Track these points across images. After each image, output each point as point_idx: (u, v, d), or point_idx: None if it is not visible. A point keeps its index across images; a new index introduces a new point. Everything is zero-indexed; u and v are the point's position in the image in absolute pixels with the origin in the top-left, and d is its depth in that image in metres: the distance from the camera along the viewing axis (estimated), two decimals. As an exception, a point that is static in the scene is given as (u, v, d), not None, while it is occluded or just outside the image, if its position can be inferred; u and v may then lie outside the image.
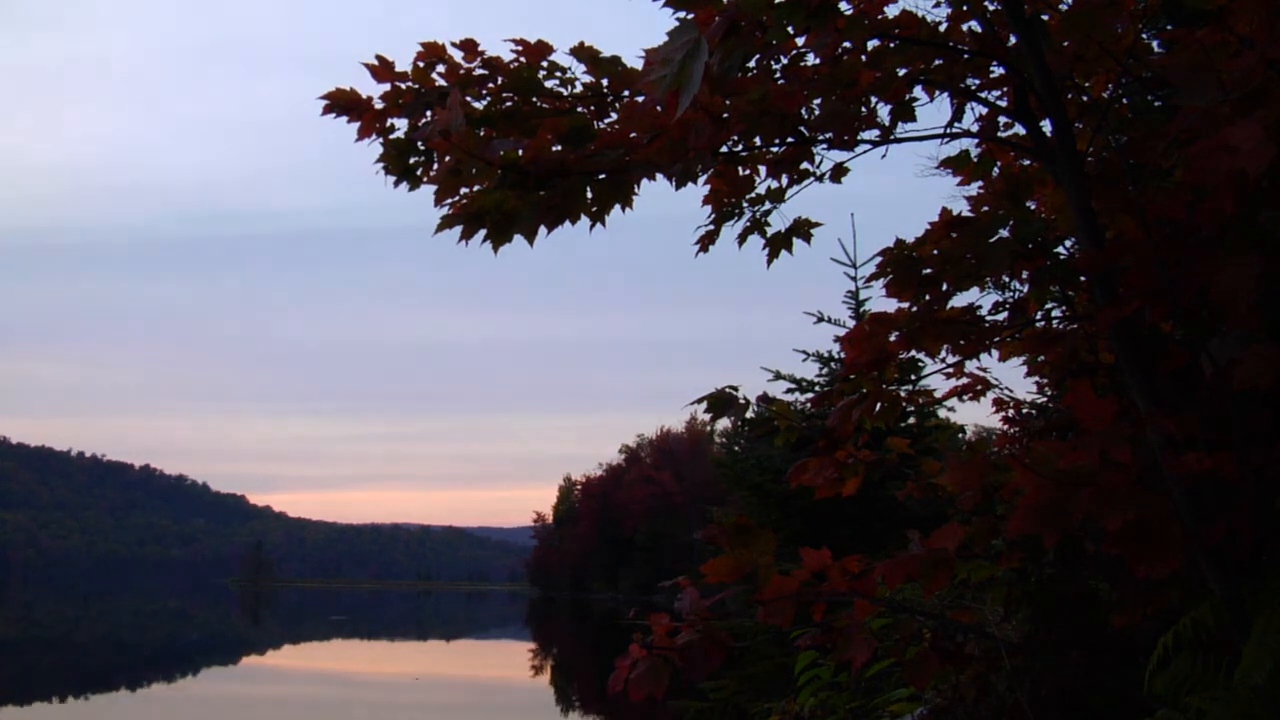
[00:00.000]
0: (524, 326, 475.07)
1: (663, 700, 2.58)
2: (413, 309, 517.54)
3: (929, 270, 3.12)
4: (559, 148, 2.84)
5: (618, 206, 2.92)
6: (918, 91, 3.11)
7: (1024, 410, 4.64)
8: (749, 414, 3.42)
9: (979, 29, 3.05)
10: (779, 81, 2.97)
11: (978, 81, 3.20)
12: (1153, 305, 2.57)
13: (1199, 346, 2.72)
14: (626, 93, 3.04)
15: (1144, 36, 3.42)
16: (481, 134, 2.94)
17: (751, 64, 2.89)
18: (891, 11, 2.95)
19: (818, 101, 2.97)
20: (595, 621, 51.43)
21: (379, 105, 3.07)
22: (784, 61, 3.03)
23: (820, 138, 3.01)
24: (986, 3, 3.01)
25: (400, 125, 3.10)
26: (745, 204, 3.28)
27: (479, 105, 3.09)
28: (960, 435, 8.66)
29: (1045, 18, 3.06)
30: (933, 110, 5.35)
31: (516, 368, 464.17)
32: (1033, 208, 3.43)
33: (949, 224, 3.17)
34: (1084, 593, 3.86)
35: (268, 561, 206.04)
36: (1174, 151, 2.80)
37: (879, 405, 3.45)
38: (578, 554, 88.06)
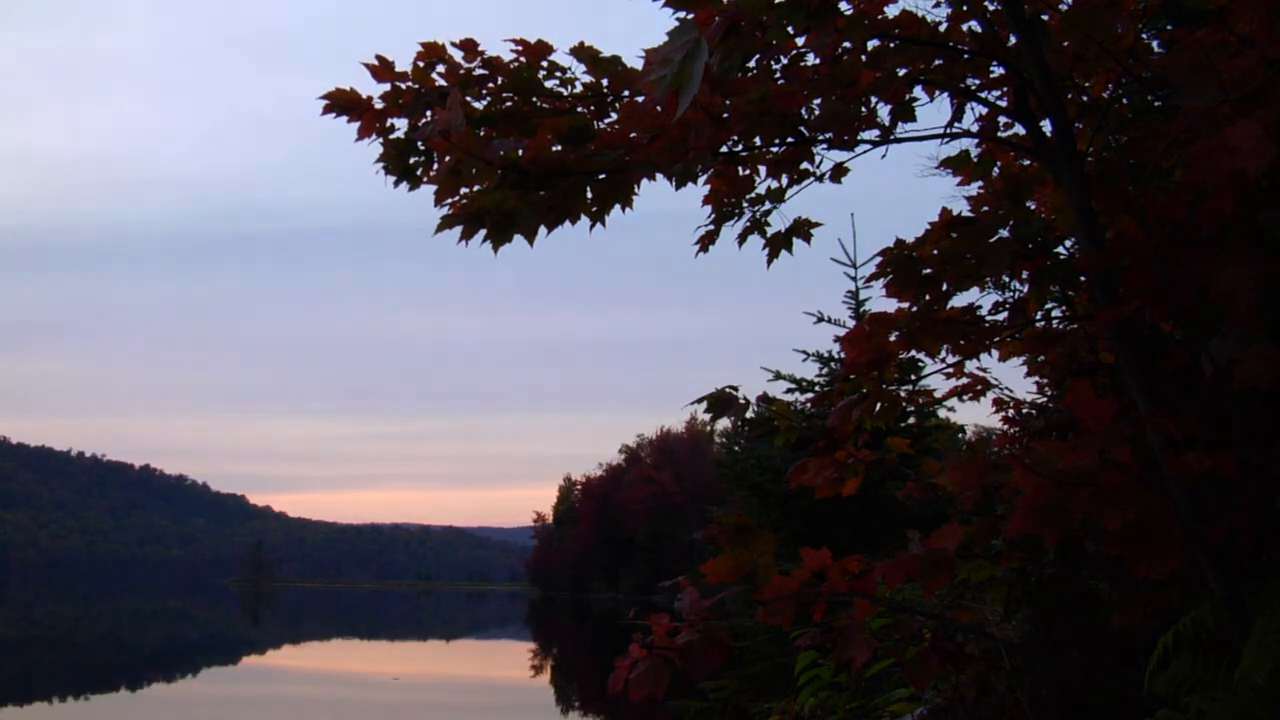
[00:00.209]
0: (524, 326, 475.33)
1: (663, 700, 2.58)
2: (413, 309, 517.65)
3: (929, 270, 3.12)
4: (559, 148, 2.84)
5: (618, 206, 2.92)
6: (918, 91, 3.11)
7: (1024, 410, 4.64)
8: (749, 414, 3.42)
9: (979, 29, 3.05)
10: (779, 81, 2.97)
11: (978, 81, 3.20)
12: (1153, 305, 2.57)
13: (1199, 346, 2.72)
14: (626, 93, 3.04)
15: (1144, 36, 3.42)
16: (481, 134, 2.94)
17: (751, 64, 2.89)
18: (891, 11, 2.95)
19: (818, 101, 2.97)
20: (595, 621, 51.42)
21: (379, 105, 3.07)
22: (784, 61, 3.03)
23: (820, 138, 3.01)
24: (986, 3, 3.01)
25: (400, 125, 3.10)
26: (745, 204, 3.28)
27: (479, 105, 3.09)
28: (960, 435, 8.66)
29: (1045, 18, 3.05)
30: (933, 110, 5.35)
31: (517, 368, 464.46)
32: (1033, 208, 3.42)
33: (949, 224, 3.17)
34: (1084, 593, 3.86)
35: (268, 561, 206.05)
36: (1174, 151, 2.80)
37: (879, 405, 3.45)
38: (578, 554, 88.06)
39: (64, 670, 25.38)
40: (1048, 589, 3.87)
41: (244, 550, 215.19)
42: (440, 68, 3.06)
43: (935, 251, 3.12)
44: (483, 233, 2.79)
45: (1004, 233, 2.98)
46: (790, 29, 2.64)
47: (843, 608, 2.81)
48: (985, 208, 3.26)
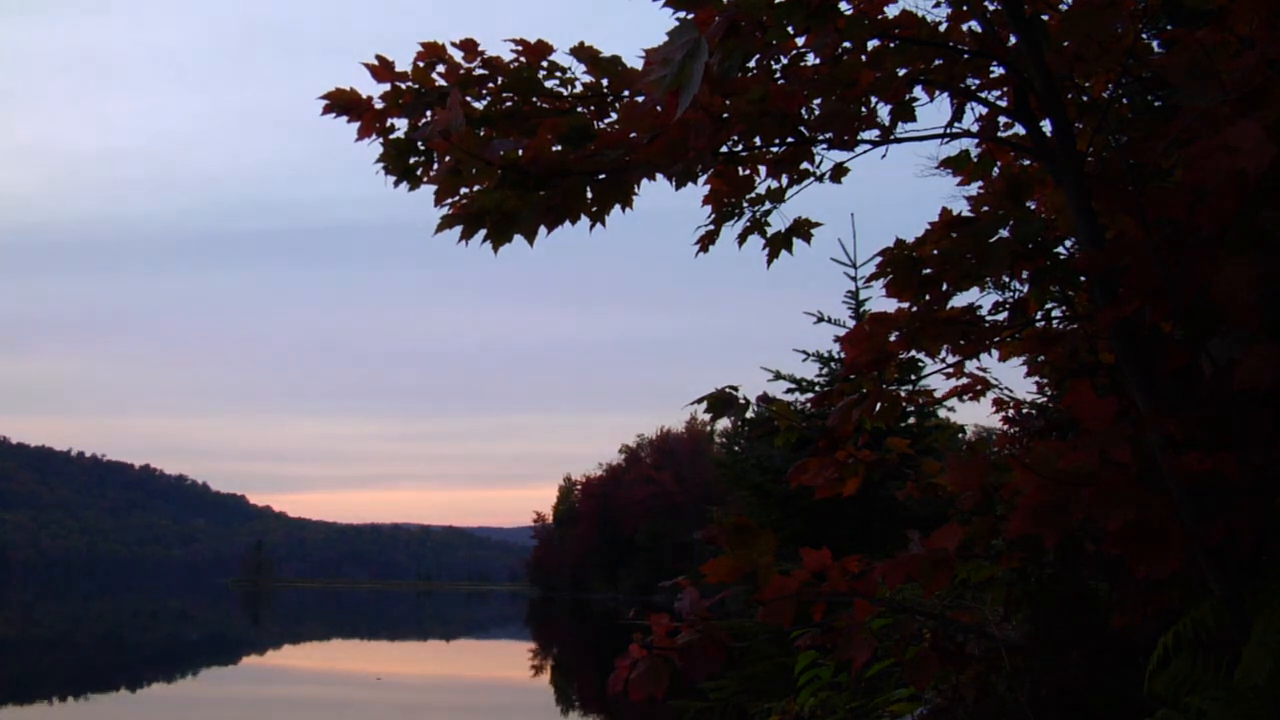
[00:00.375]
0: (525, 326, 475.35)
1: (663, 700, 2.58)
2: (413, 308, 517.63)
3: (929, 270, 3.12)
4: (559, 148, 2.84)
5: (618, 206, 2.92)
6: (918, 91, 3.11)
7: (1024, 410, 4.65)
8: (749, 414, 3.42)
9: (979, 29, 3.05)
10: (779, 81, 2.97)
11: (978, 81, 3.20)
12: (1153, 305, 2.57)
13: (1199, 346, 2.71)
14: (626, 93, 3.04)
15: (1144, 36, 3.42)
16: (481, 134, 2.94)
17: (751, 64, 2.89)
18: (891, 11, 2.95)
19: (818, 101, 2.97)
20: (595, 621, 51.43)
21: (379, 105, 3.08)
22: (784, 61, 3.03)
23: (820, 138, 3.01)
24: (986, 3, 3.01)
25: (400, 125, 3.10)
26: (745, 204, 3.28)
27: (479, 105, 3.09)
28: (960, 435, 8.65)
29: (1045, 18, 3.06)
30: (933, 110, 5.36)
31: (517, 367, 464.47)
32: (1033, 208, 3.43)
33: (949, 224, 3.17)
34: (1084, 593, 3.86)
35: (268, 561, 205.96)
36: (1174, 151, 2.80)
37: (879, 405, 3.45)
38: (578, 554, 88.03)
39: (64, 670, 25.38)
40: (1048, 589, 3.87)
41: (244, 550, 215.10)
42: (440, 68, 3.06)
43: (935, 251, 3.13)
44: (483, 233, 2.79)
45: (1004, 233, 2.98)
46: (790, 29, 2.64)
47: (843, 608, 2.81)
48: (985, 208, 3.26)
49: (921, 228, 3.27)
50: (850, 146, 3.02)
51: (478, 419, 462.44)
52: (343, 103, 3.06)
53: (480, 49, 3.06)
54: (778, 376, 9.93)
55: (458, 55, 3.06)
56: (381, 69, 3.04)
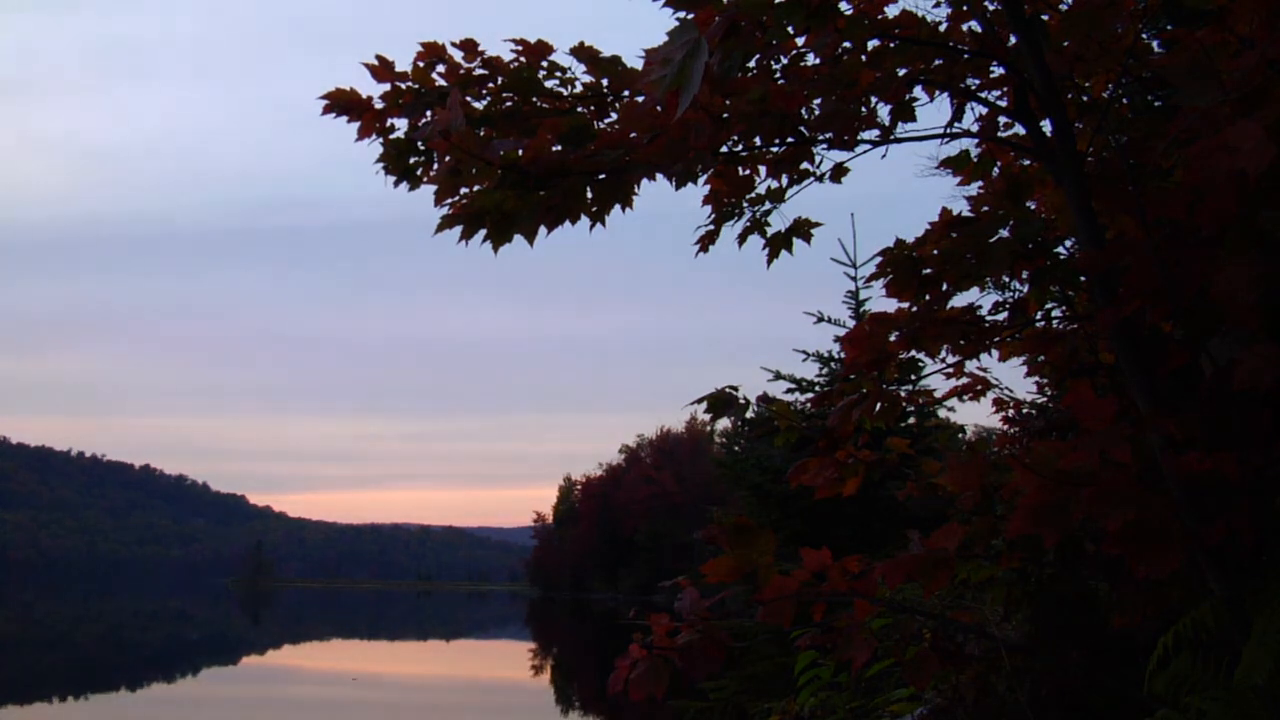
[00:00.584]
0: (525, 326, 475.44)
1: (663, 700, 2.58)
2: (413, 307, 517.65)
3: (929, 270, 3.12)
4: (559, 148, 2.84)
5: (618, 206, 2.92)
6: (918, 91, 3.12)
7: (1024, 410, 4.65)
8: (749, 414, 3.42)
9: (979, 29, 3.05)
10: (779, 81, 2.97)
11: (978, 81, 3.20)
12: (1153, 305, 2.57)
13: (1199, 346, 2.72)
14: (626, 93, 3.04)
15: (1144, 36, 3.42)
16: (481, 134, 2.94)
17: (751, 64, 2.89)
18: (891, 11, 2.95)
19: (818, 101, 2.97)
20: (595, 621, 51.43)
21: (379, 105, 3.07)
22: (784, 61, 3.03)
23: (820, 138, 3.01)
24: (986, 3, 3.01)
25: (400, 125, 3.10)
26: (745, 204, 3.28)
27: (479, 105, 3.09)
28: (960, 435, 8.65)
29: (1045, 18, 3.06)
30: (933, 110, 5.35)
31: (517, 367, 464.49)
32: (1033, 208, 3.43)
33: (949, 224, 3.17)
34: (1084, 593, 3.86)
35: (268, 561, 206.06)
36: (1174, 151, 2.80)
37: (879, 405, 3.45)
38: (578, 554, 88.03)
39: (64, 670, 25.38)
40: (1048, 589, 3.87)
41: (244, 550, 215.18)
42: (440, 68, 3.06)
43: (935, 251, 3.13)
44: (483, 233, 2.79)
45: (1004, 233, 2.98)
46: (790, 29, 2.64)
47: (843, 608, 2.81)
48: (985, 208, 3.26)
49: (921, 228, 3.27)
50: (850, 146, 3.02)
51: (478, 419, 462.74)
52: (343, 103, 3.06)
53: (480, 49, 3.06)
54: (778, 376, 9.94)
55: (458, 55, 3.06)
56: (381, 69, 3.04)
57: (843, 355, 4.24)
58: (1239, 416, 2.51)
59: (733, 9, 2.37)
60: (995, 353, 3.53)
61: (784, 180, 3.23)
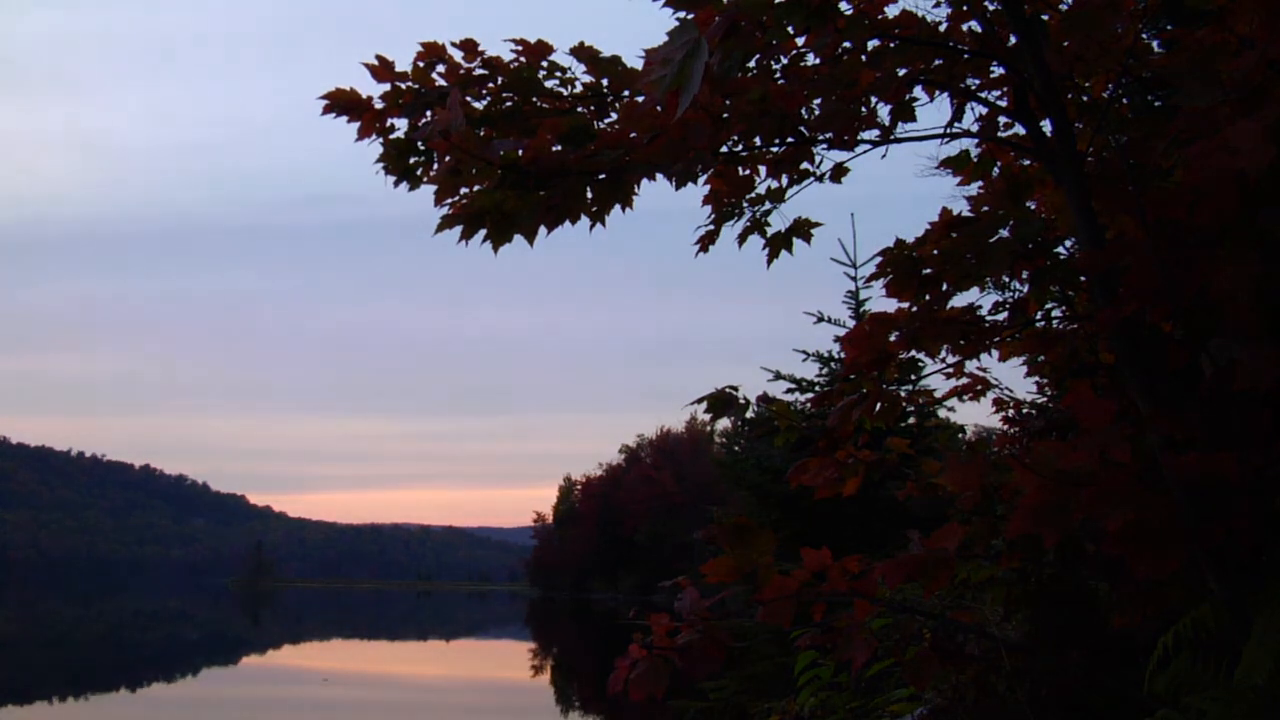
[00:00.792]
0: (524, 326, 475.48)
1: (663, 700, 2.58)
2: (412, 307, 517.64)
3: (929, 270, 3.12)
4: (559, 148, 2.84)
5: (618, 206, 2.92)
6: (918, 91, 3.12)
7: (1024, 410, 4.65)
8: (749, 414, 3.42)
9: (979, 29, 3.05)
10: (779, 81, 2.97)
11: (978, 81, 3.20)
12: (1153, 305, 2.57)
13: (1199, 346, 2.71)
14: (626, 93, 3.04)
15: (1144, 36, 3.42)
16: (481, 134, 2.94)
17: (751, 64, 2.90)
18: (891, 11, 2.95)
19: (818, 101, 2.98)
20: (595, 621, 51.44)
21: (379, 105, 3.07)
22: (784, 61, 3.03)
23: (820, 138, 3.02)
24: (986, 3, 3.01)
25: (400, 125, 3.10)
26: (745, 204, 3.28)
27: (479, 105, 3.09)
28: (960, 435, 8.65)
29: (1045, 18, 3.06)
30: (933, 110, 5.35)
31: (517, 367, 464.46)
32: (1033, 208, 3.43)
33: (949, 224, 3.17)
34: (1084, 593, 3.86)
35: (268, 561, 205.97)
36: (1174, 151, 2.80)
37: (879, 405, 3.46)
38: (578, 554, 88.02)
39: (64, 670, 25.38)
40: (1048, 589, 3.88)
41: (244, 550, 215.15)
42: (440, 68, 3.06)
43: (935, 251, 3.13)
44: (483, 233, 2.79)
45: (1004, 233, 2.98)
46: (790, 29, 2.64)
47: (843, 608, 2.81)
48: (985, 208, 3.26)
49: (921, 228, 3.27)
50: (850, 146, 3.02)
51: (478, 419, 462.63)
52: (343, 103, 3.06)
53: (480, 49, 3.06)
54: (778, 376, 9.94)
55: (458, 55, 3.06)
56: (381, 69, 3.04)
57: (843, 355, 4.24)
58: (1239, 416, 2.51)
59: (733, 9, 2.37)
60: (995, 353, 3.53)
61: (784, 180, 3.23)
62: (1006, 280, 3.58)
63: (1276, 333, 2.35)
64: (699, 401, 3.38)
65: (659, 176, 2.80)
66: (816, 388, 10.19)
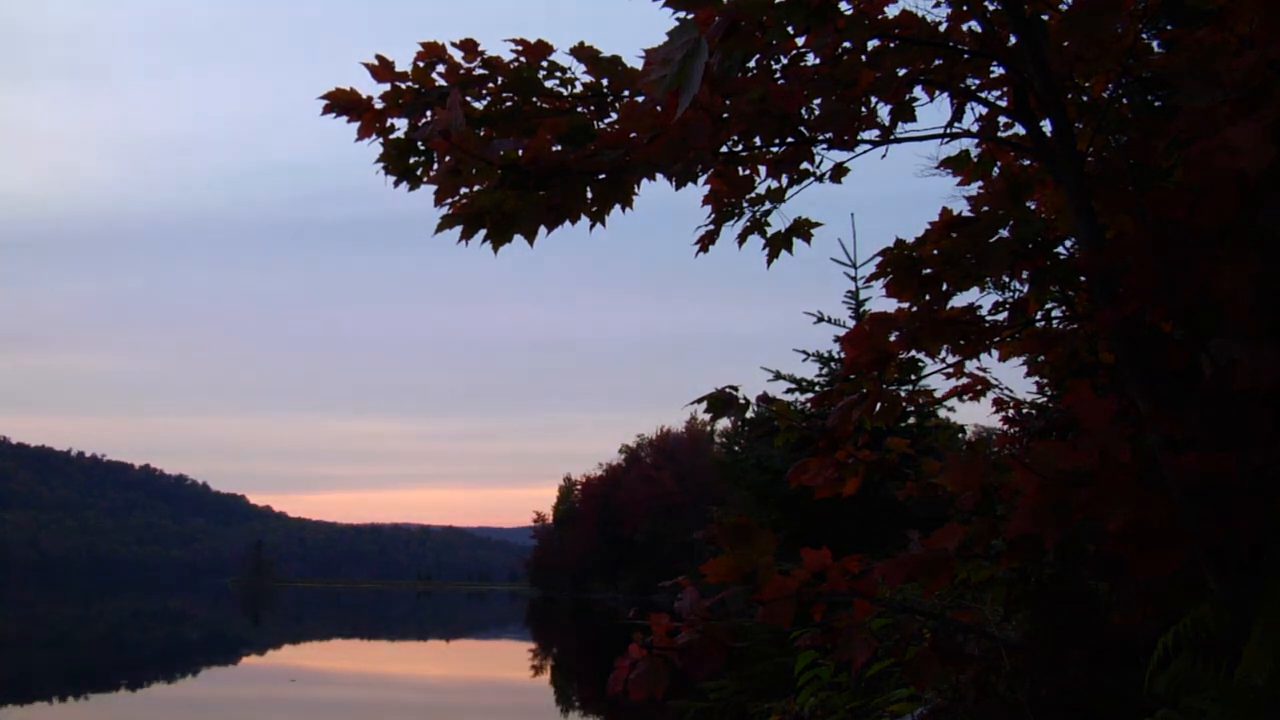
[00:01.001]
0: (524, 325, 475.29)
1: (663, 700, 2.57)
2: (411, 307, 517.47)
3: (929, 270, 3.12)
4: (559, 148, 2.84)
5: (618, 206, 2.92)
6: (918, 91, 3.12)
7: (1024, 410, 4.65)
8: (749, 414, 3.42)
9: (979, 29, 3.06)
10: (779, 81, 2.97)
11: (978, 81, 3.20)
12: (1153, 305, 2.57)
13: (1199, 346, 2.71)
14: (626, 93, 3.04)
15: (1144, 36, 3.42)
16: (481, 134, 2.94)
17: (751, 64, 2.89)
18: (891, 11, 2.95)
19: (818, 101, 2.97)
20: (595, 621, 51.43)
21: (379, 105, 3.07)
22: (784, 61, 3.03)
23: (820, 138, 3.02)
24: (986, 3, 3.01)
25: (400, 125, 3.10)
26: (745, 204, 3.28)
27: (479, 105, 3.09)
28: (960, 435, 8.65)
29: (1045, 18, 3.06)
30: (933, 110, 5.35)
31: (517, 367, 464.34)
32: (1033, 208, 3.43)
33: (949, 224, 3.17)
34: (1084, 593, 3.86)
35: (268, 561, 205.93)
36: (1174, 151, 2.81)
37: (879, 405, 3.45)
38: (578, 554, 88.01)
39: (64, 670, 25.38)
40: (1048, 589, 3.87)
41: (244, 550, 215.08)
42: (440, 68, 3.06)
43: (935, 251, 3.13)
44: (483, 233, 2.79)
45: (1004, 233, 2.99)
46: (790, 29, 2.65)
47: (843, 608, 2.81)
48: (985, 208, 3.26)
49: (921, 228, 3.27)
50: (850, 146, 3.02)
51: (477, 419, 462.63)
52: (342, 103, 3.06)
53: (480, 49, 3.06)
54: (778, 376, 9.95)
55: (458, 55, 3.06)
56: (381, 69, 3.04)
57: (843, 355, 4.24)
58: (1239, 416, 2.51)
59: (733, 9, 2.37)
60: (995, 353, 3.53)
61: (784, 180, 3.23)
62: (1006, 280, 3.58)
63: (1276, 333, 2.35)
64: (699, 401, 3.38)
65: (659, 176, 2.80)
66: (816, 388, 10.19)
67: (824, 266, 9.79)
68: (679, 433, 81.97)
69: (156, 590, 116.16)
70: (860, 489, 3.68)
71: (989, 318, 3.41)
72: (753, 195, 3.27)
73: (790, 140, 3.04)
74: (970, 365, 3.74)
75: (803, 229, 3.33)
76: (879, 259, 3.18)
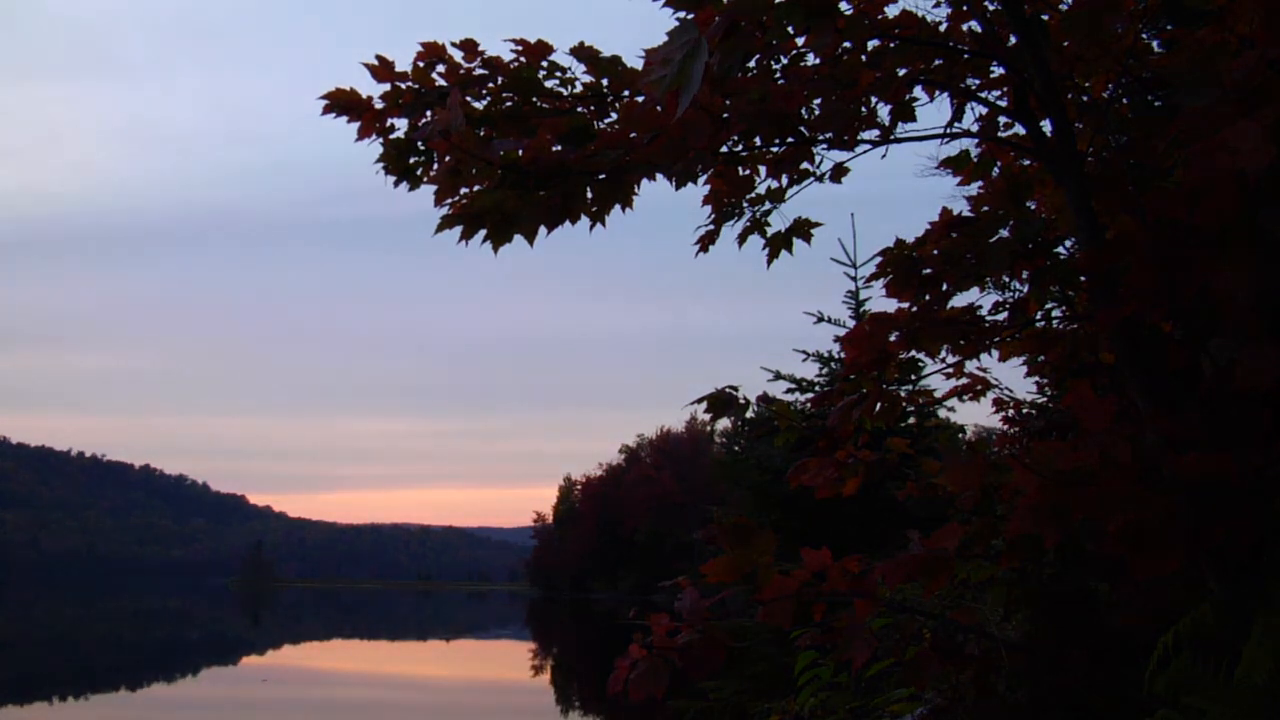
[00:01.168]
0: (524, 325, 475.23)
1: (663, 700, 2.57)
2: (411, 306, 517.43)
3: (929, 270, 3.12)
4: (559, 148, 2.84)
5: (618, 206, 2.92)
6: (918, 91, 3.12)
7: (1024, 410, 4.65)
8: (749, 414, 3.42)
9: (979, 29, 3.06)
10: (779, 81, 2.97)
11: (978, 81, 3.20)
12: (1153, 305, 2.57)
13: (1199, 346, 2.72)
14: (626, 93, 3.04)
15: (1144, 36, 3.42)
16: (481, 134, 2.94)
17: (751, 64, 2.89)
18: (891, 11, 2.96)
19: (818, 101, 2.97)
20: (595, 621, 51.42)
21: (379, 105, 3.07)
22: (784, 61, 3.04)
23: (820, 138, 3.02)
24: (986, 3, 3.01)
25: (400, 125, 3.10)
26: (745, 204, 3.28)
27: (479, 105, 3.09)
28: (960, 435, 8.65)
29: (1045, 18, 3.06)
30: (933, 110, 5.35)
31: (517, 367, 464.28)
32: (1033, 208, 3.43)
33: (949, 224, 3.18)
34: (1084, 593, 3.86)
35: (268, 561, 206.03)
36: (1174, 151, 2.80)
37: (879, 405, 3.46)
38: (578, 554, 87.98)
39: (64, 670, 25.37)
40: (1048, 589, 3.87)
41: (244, 550, 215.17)
42: (440, 68, 3.06)
43: (935, 251, 3.13)
44: (483, 233, 2.79)
45: (1004, 233, 2.99)
46: (790, 29, 2.64)
47: (843, 608, 2.81)
48: (985, 208, 3.26)
49: (921, 228, 3.27)
50: (850, 146, 3.02)
51: (477, 418, 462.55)
52: (342, 103, 3.06)
53: (480, 49, 3.06)
54: (778, 376, 9.94)
55: (458, 55, 3.06)
56: (381, 69, 3.04)
57: (843, 355, 4.24)
58: (1239, 416, 2.51)
59: (733, 9, 2.37)
60: (995, 353, 3.53)
61: (784, 180, 3.23)
62: (1006, 280, 3.58)
63: (1276, 333, 2.35)
64: (699, 401, 3.38)
65: (659, 176, 2.80)
66: (816, 388, 10.19)
67: (824, 266, 9.79)
68: (679, 433, 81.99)
69: (156, 590, 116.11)
70: (860, 489, 3.68)
71: (989, 318, 3.42)
72: (753, 195, 3.27)
73: (790, 140, 3.04)
74: (970, 365, 3.74)
75: (803, 229, 3.33)
76: (879, 259, 3.19)
